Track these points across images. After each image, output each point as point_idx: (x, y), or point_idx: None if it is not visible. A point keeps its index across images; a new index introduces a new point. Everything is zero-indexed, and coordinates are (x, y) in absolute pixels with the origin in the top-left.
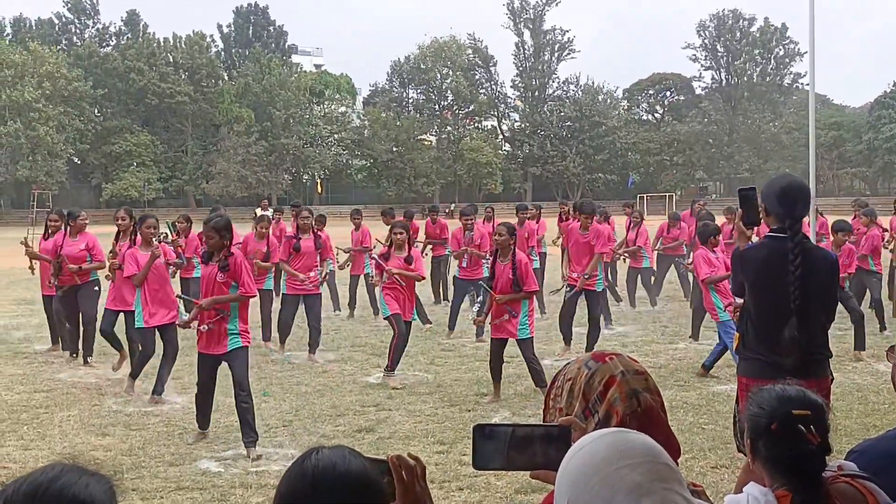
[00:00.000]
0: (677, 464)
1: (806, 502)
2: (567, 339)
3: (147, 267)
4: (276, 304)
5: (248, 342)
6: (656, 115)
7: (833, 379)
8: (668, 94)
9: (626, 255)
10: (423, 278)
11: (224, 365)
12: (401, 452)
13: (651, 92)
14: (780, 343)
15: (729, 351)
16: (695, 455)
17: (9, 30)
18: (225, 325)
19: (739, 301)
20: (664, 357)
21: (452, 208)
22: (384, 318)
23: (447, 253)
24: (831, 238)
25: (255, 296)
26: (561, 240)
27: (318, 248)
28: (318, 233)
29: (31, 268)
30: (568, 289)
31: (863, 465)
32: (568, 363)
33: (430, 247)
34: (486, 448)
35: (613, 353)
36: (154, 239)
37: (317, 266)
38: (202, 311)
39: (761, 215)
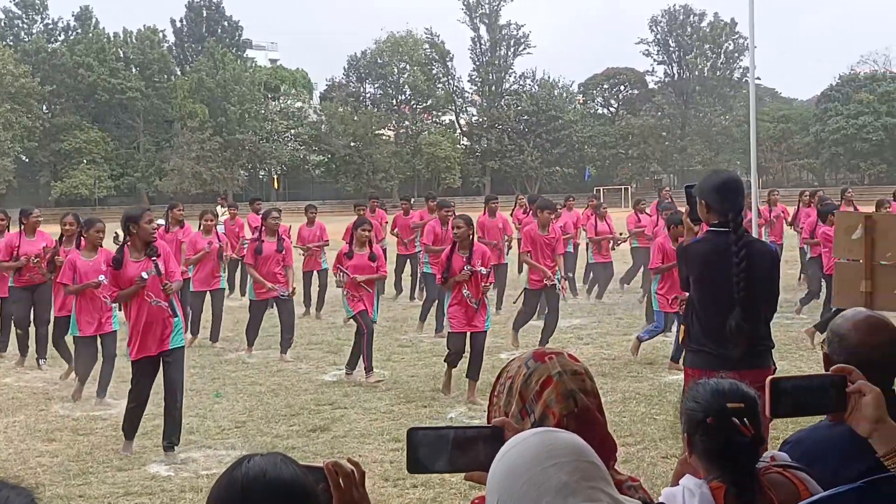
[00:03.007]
0: (614, 461)
1: (740, 494)
2: (517, 330)
3: (82, 287)
4: (226, 304)
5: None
6: (611, 108)
7: (776, 369)
8: (622, 88)
9: (632, 237)
10: (386, 277)
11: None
12: (355, 451)
13: (606, 86)
14: (724, 334)
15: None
16: (646, 445)
17: None
18: (169, 319)
19: (686, 294)
20: (618, 349)
21: (412, 202)
22: (349, 318)
23: (417, 249)
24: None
25: (181, 280)
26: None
27: (279, 251)
28: (283, 236)
29: None
30: (525, 291)
31: (796, 456)
32: (511, 360)
33: (396, 241)
34: (423, 451)
35: (554, 351)
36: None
37: (280, 272)
38: (169, 295)
39: (701, 211)
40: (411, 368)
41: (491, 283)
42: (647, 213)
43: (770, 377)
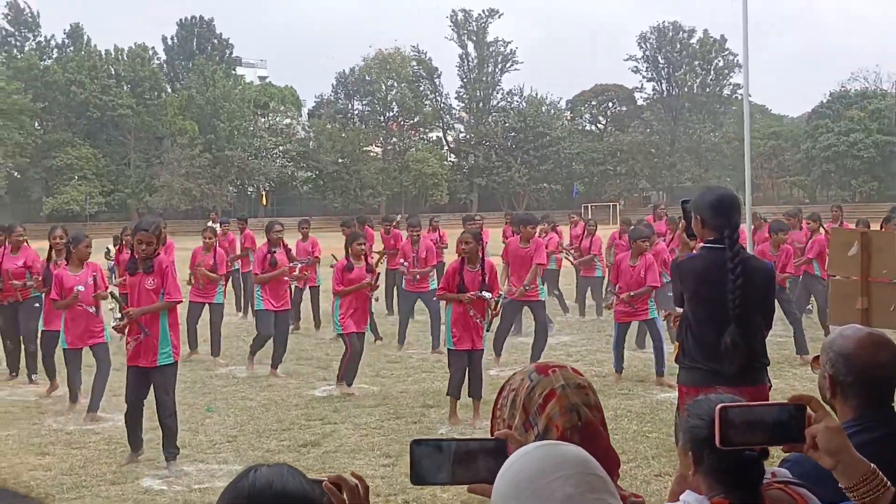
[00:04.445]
0: (617, 476)
1: None
2: (499, 351)
3: (70, 300)
4: (227, 319)
5: (178, 357)
6: (599, 125)
7: (772, 386)
8: (610, 104)
9: (572, 257)
10: (373, 286)
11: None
12: (346, 466)
13: (594, 103)
14: (719, 352)
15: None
16: (639, 463)
17: None
18: (155, 339)
19: (679, 311)
20: (608, 366)
21: (399, 220)
22: (337, 335)
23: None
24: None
25: (180, 301)
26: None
27: (290, 261)
28: (287, 246)
29: None
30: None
31: (797, 475)
32: (514, 373)
33: (384, 258)
34: (428, 462)
35: (558, 364)
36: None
37: (286, 284)
38: (131, 319)
39: (696, 227)
40: (401, 384)
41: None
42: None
43: (720, 405)
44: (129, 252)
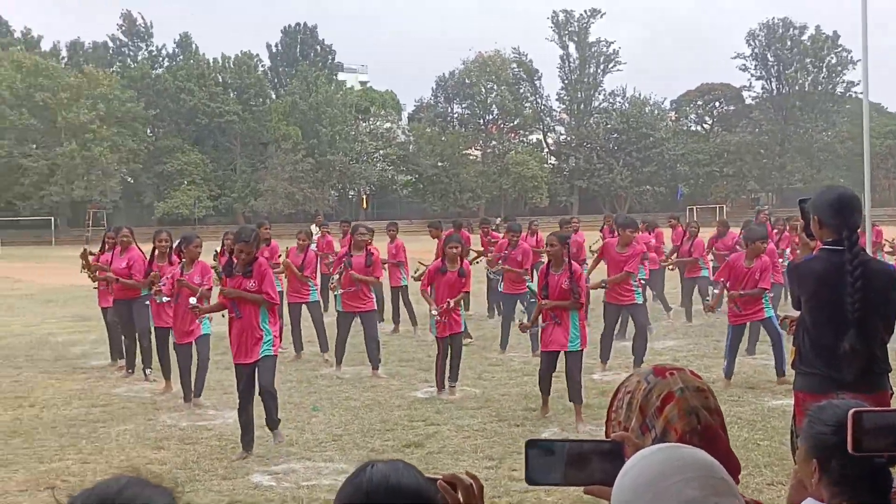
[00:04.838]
0: (737, 483)
1: None
2: (604, 356)
3: (202, 292)
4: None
5: (277, 352)
6: (705, 125)
7: (893, 393)
8: (717, 104)
9: (675, 264)
10: (468, 292)
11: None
12: (450, 468)
13: (700, 102)
14: (837, 357)
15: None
16: (751, 472)
17: (65, 53)
18: (258, 335)
19: (795, 314)
20: (716, 371)
21: (499, 223)
22: (434, 336)
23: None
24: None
25: (277, 303)
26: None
27: (367, 265)
28: (371, 250)
29: (94, 278)
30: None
31: None
32: (630, 375)
33: (483, 259)
34: (540, 463)
35: (676, 367)
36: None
37: (367, 287)
38: (226, 298)
39: (815, 228)
40: (502, 387)
41: (584, 302)
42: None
43: (853, 410)
44: (228, 255)
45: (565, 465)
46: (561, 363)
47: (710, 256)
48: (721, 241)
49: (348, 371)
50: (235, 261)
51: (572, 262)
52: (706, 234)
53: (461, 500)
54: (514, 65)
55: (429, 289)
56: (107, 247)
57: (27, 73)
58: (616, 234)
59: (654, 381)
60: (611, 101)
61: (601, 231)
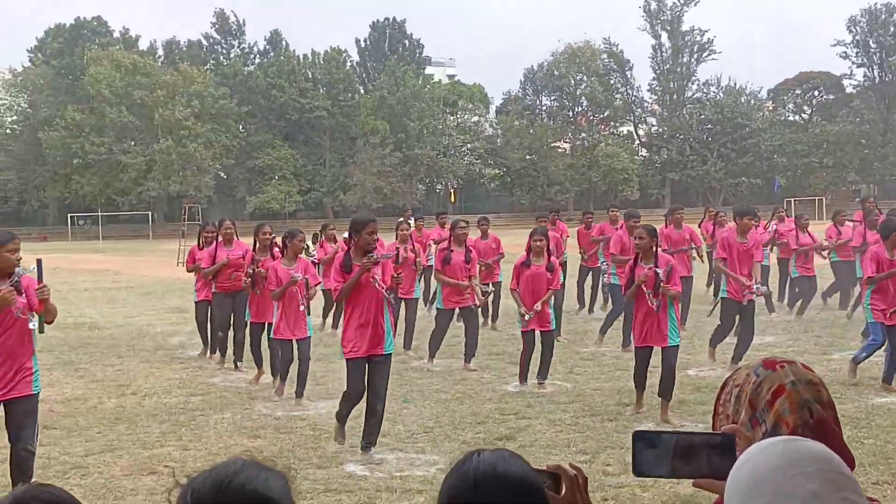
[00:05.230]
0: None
1: None
2: (715, 346)
3: (285, 287)
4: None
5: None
6: (804, 115)
7: None
8: (816, 93)
9: (826, 250)
10: (559, 290)
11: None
12: (542, 461)
13: (798, 92)
14: None
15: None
16: (855, 471)
17: (161, 52)
18: (383, 330)
19: None
20: (818, 369)
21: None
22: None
23: (600, 262)
24: None
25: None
26: (713, 250)
27: (466, 262)
28: (470, 247)
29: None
30: (721, 301)
31: None
32: (738, 368)
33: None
34: (647, 455)
35: (786, 360)
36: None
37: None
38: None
39: None
40: (594, 382)
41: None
42: (849, 224)
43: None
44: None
45: (672, 457)
46: (655, 357)
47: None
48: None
49: (439, 364)
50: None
51: (661, 254)
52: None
53: (565, 490)
54: (605, 55)
55: (516, 288)
56: (203, 241)
57: (126, 71)
58: (715, 224)
59: (764, 374)
60: (704, 90)
61: (700, 225)
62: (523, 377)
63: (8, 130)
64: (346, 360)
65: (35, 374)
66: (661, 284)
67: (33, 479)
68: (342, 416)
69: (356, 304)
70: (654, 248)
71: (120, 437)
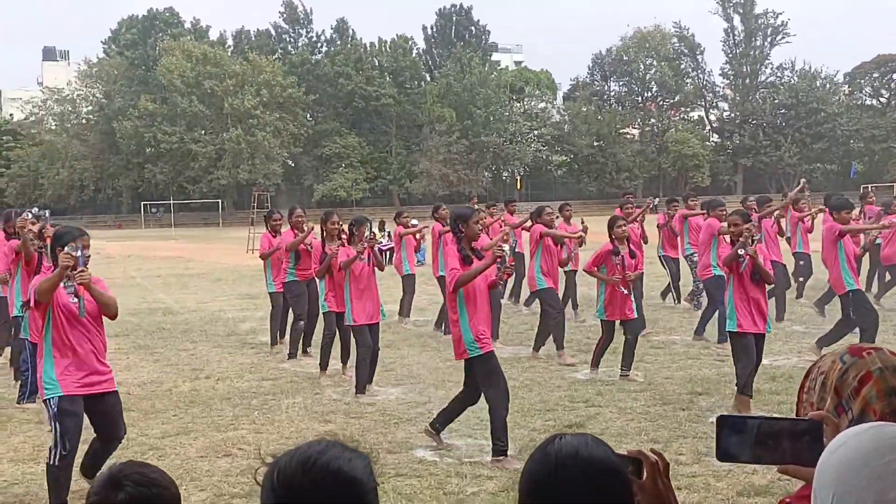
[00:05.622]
0: None
1: None
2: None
3: (350, 261)
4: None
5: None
6: (882, 99)
7: None
8: (894, 76)
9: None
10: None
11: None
12: (617, 450)
13: (876, 75)
14: None
15: None
16: None
17: (230, 42)
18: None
19: None
20: None
21: (656, 203)
22: (600, 319)
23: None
24: None
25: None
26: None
27: (559, 245)
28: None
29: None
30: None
31: None
32: (823, 356)
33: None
34: (731, 441)
35: (873, 346)
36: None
37: (553, 267)
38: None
39: None
40: (665, 370)
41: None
42: None
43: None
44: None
45: (756, 443)
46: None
47: None
48: None
49: (506, 351)
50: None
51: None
52: None
53: (647, 475)
54: (675, 39)
55: (595, 269)
56: (270, 229)
57: (196, 62)
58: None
59: (850, 361)
60: (778, 74)
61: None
62: (595, 364)
63: (84, 121)
64: (484, 354)
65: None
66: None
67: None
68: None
69: (474, 297)
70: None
71: (195, 420)
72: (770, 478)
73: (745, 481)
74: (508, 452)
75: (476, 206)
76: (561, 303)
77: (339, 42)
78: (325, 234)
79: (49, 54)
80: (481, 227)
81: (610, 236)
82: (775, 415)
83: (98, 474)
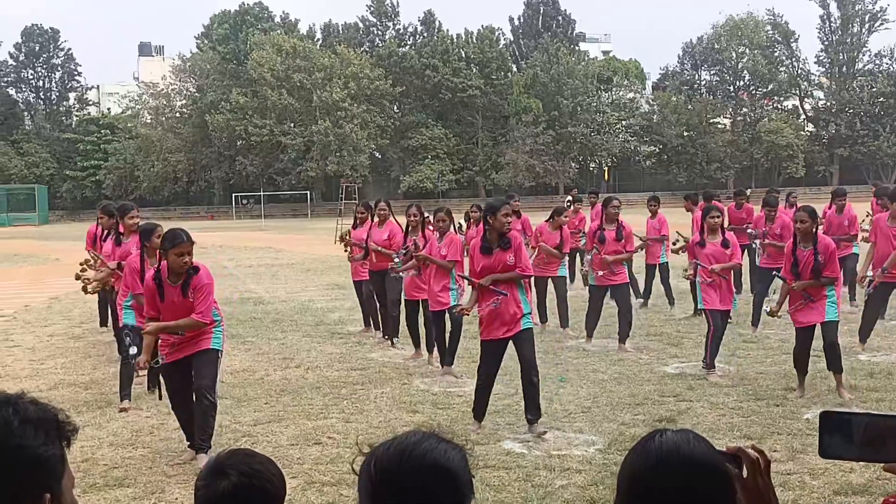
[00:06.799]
0: None
1: None
2: (863, 336)
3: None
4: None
5: (536, 323)
6: None
7: None
8: None
9: None
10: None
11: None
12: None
13: None
14: None
15: None
16: None
17: (319, 35)
18: (518, 308)
19: None
20: None
21: (749, 193)
22: (699, 311)
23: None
24: None
25: (530, 275)
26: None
27: (619, 240)
28: (623, 223)
29: (349, 252)
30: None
31: None
32: None
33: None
34: (834, 438)
35: None
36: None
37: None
38: (483, 289)
39: None
40: (758, 365)
41: (835, 277)
42: None
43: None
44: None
45: (862, 440)
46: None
47: None
48: None
49: (595, 344)
50: (490, 236)
51: (821, 237)
52: None
53: (747, 473)
54: (769, 27)
55: (693, 264)
56: (358, 221)
57: (286, 55)
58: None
59: None
60: (877, 62)
61: (871, 207)
62: (712, 359)
63: (178, 114)
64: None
65: (215, 332)
66: (821, 271)
67: (211, 445)
68: (476, 405)
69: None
70: (815, 231)
71: (286, 408)
72: (868, 476)
73: (843, 479)
74: (598, 446)
75: (570, 199)
76: (599, 296)
77: (425, 34)
78: (408, 227)
79: (145, 50)
80: (509, 220)
81: (700, 227)
82: (877, 412)
83: (206, 462)
